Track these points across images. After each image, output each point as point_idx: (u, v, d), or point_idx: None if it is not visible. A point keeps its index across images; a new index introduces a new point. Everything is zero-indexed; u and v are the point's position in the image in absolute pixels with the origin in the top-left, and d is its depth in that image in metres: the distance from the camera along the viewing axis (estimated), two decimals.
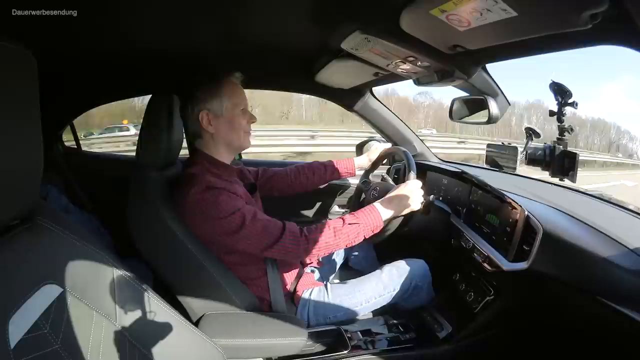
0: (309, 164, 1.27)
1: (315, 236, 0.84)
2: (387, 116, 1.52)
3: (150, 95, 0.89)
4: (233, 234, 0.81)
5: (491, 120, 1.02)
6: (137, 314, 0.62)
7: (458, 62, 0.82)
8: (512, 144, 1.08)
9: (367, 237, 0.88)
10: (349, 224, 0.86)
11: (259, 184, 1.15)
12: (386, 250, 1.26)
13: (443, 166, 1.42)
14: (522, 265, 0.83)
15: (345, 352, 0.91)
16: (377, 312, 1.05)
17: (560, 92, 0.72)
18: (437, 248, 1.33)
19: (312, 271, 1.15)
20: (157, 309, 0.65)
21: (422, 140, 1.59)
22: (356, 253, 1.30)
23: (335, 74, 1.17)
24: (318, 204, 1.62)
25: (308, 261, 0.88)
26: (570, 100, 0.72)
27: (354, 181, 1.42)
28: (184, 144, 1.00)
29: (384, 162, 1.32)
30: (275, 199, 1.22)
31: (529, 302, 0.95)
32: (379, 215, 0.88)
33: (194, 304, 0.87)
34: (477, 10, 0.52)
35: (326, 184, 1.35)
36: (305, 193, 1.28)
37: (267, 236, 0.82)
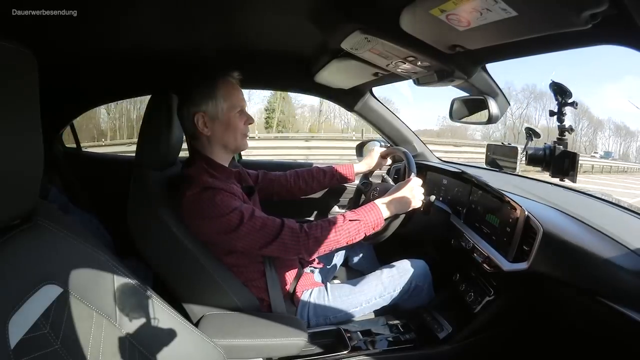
0: (308, 169, 1.27)
1: (315, 232, 0.84)
2: (387, 116, 1.52)
3: (150, 95, 0.90)
4: (231, 232, 0.80)
5: (491, 120, 1.02)
6: (137, 314, 0.62)
7: (458, 62, 0.82)
8: (512, 144, 1.08)
9: (367, 234, 0.88)
10: (350, 220, 0.86)
11: (259, 188, 1.14)
12: (386, 251, 1.26)
13: (443, 166, 1.42)
14: (522, 266, 0.83)
15: (345, 352, 0.91)
16: (377, 313, 1.05)
17: (560, 92, 0.72)
18: (437, 248, 1.33)
19: (312, 271, 1.15)
20: (157, 309, 0.65)
21: (422, 140, 1.59)
22: (356, 254, 1.30)
23: (335, 74, 1.17)
24: (318, 206, 1.61)
25: (308, 259, 0.87)
26: (570, 100, 0.72)
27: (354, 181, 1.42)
28: (184, 144, 1.00)
29: (387, 163, 1.31)
30: (274, 201, 1.22)
31: (529, 302, 0.95)
32: (379, 212, 0.88)
33: (194, 304, 0.87)
34: (477, 10, 0.52)
35: None
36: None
37: (266, 233, 0.82)
